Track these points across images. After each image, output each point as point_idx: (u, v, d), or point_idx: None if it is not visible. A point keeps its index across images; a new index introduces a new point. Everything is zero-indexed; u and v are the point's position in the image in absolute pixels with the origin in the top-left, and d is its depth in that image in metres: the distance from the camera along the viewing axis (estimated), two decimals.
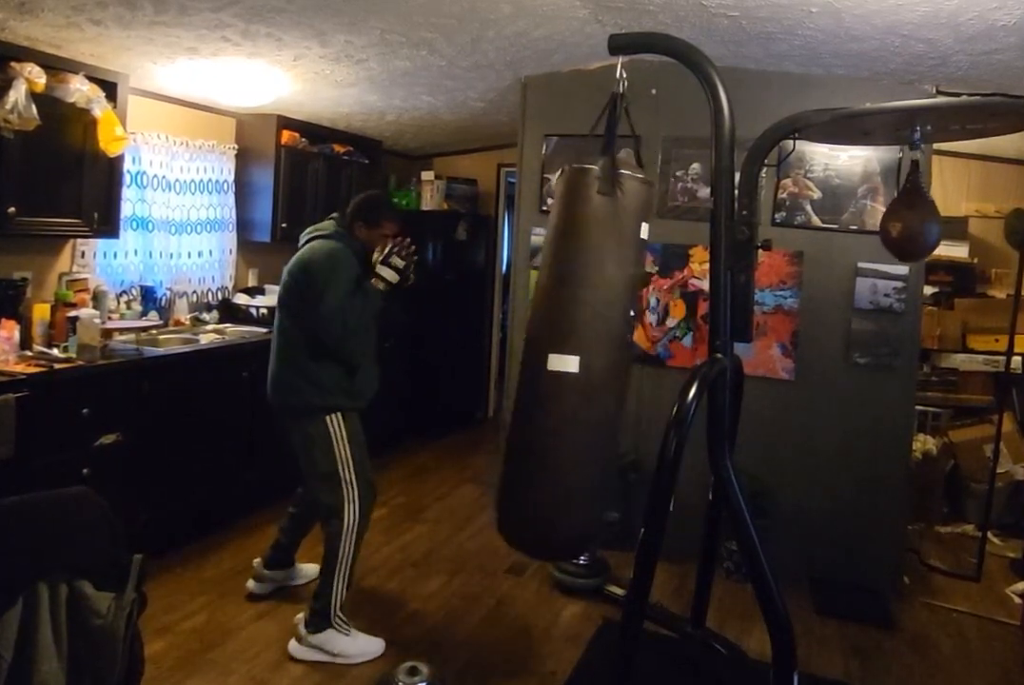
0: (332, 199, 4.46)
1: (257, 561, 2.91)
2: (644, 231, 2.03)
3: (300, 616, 2.57)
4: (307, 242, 2.60)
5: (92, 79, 2.90)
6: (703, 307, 3.29)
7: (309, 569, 2.98)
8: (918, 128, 2.03)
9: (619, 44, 2.08)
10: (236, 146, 4.08)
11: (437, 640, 2.64)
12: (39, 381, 2.57)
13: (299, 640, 2.50)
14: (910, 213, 2.15)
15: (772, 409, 3.24)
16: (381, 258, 2.55)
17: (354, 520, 2.52)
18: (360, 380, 2.58)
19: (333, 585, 2.49)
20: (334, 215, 2.69)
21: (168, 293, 3.72)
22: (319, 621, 2.49)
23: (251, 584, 2.89)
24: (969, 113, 1.99)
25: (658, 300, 3.43)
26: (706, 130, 2.04)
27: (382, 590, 2.99)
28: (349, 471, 2.53)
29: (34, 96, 2.62)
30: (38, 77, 2.66)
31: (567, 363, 1.92)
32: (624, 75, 2.07)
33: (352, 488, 2.53)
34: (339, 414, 2.53)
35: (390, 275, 2.52)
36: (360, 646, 2.51)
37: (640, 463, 3.34)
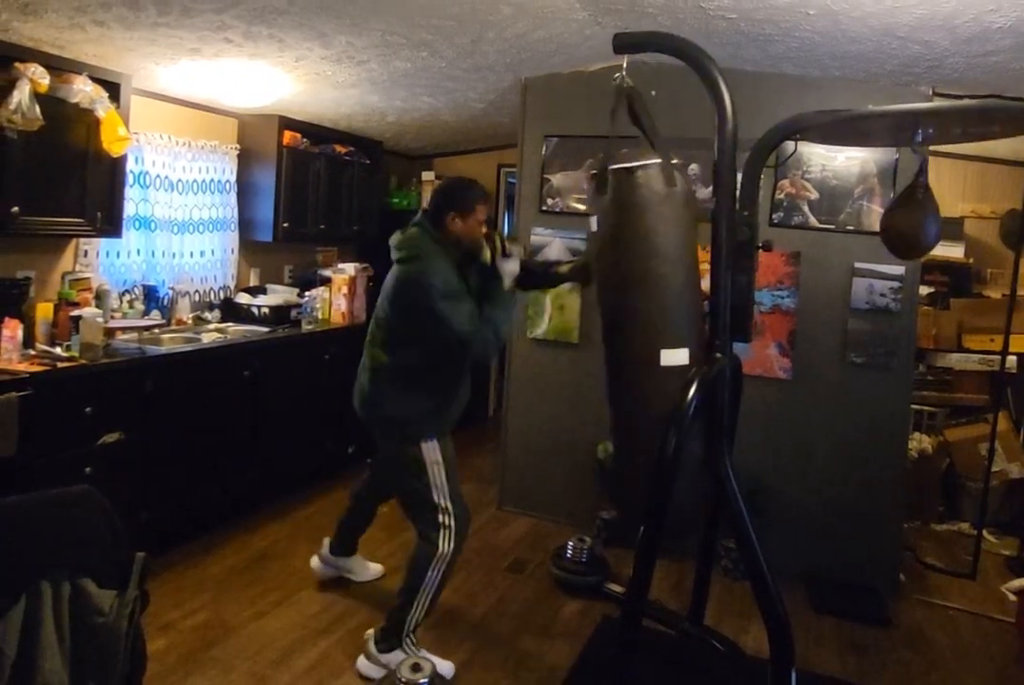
0: (333, 199, 4.48)
1: (326, 540, 2.96)
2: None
3: (370, 632, 2.48)
4: (399, 260, 2.38)
5: (95, 80, 2.91)
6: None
7: (374, 568, 3.03)
8: (920, 131, 2.04)
9: (622, 43, 2.10)
10: (238, 146, 4.10)
11: (438, 637, 2.66)
12: (42, 380, 2.59)
13: (367, 656, 2.42)
14: (913, 212, 2.16)
15: (769, 408, 3.26)
16: (499, 252, 2.32)
17: (449, 548, 2.39)
18: (454, 407, 2.48)
19: (412, 609, 2.39)
20: (417, 219, 2.42)
21: (170, 292, 3.73)
22: (391, 640, 2.40)
23: (314, 562, 2.95)
24: (971, 117, 2.01)
25: None
26: (705, 131, 2.06)
27: (383, 588, 3.00)
28: (444, 497, 2.41)
29: (38, 96, 2.63)
30: (42, 77, 2.67)
31: (679, 357, 2.02)
32: (625, 74, 2.10)
33: (448, 515, 2.40)
34: (434, 440, 2.40)
35: (514, 266, 2.33)
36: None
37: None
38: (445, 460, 2.42)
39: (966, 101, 2.70)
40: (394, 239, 2.44)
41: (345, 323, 4.25)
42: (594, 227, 2.16)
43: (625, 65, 2.11)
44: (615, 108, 2.14)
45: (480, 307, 2.32)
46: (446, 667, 2.41)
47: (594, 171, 2.13)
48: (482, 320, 2.29)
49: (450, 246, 2.37)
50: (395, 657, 2.36)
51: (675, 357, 2.03)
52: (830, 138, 2.58)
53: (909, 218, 2.15)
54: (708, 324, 2.12)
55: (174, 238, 3.78)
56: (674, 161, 2.06)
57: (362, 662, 2.43)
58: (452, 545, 2.40)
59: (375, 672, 2.38)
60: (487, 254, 2.40)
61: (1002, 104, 1.84)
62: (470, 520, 2.53)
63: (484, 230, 2.43)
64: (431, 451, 2.40)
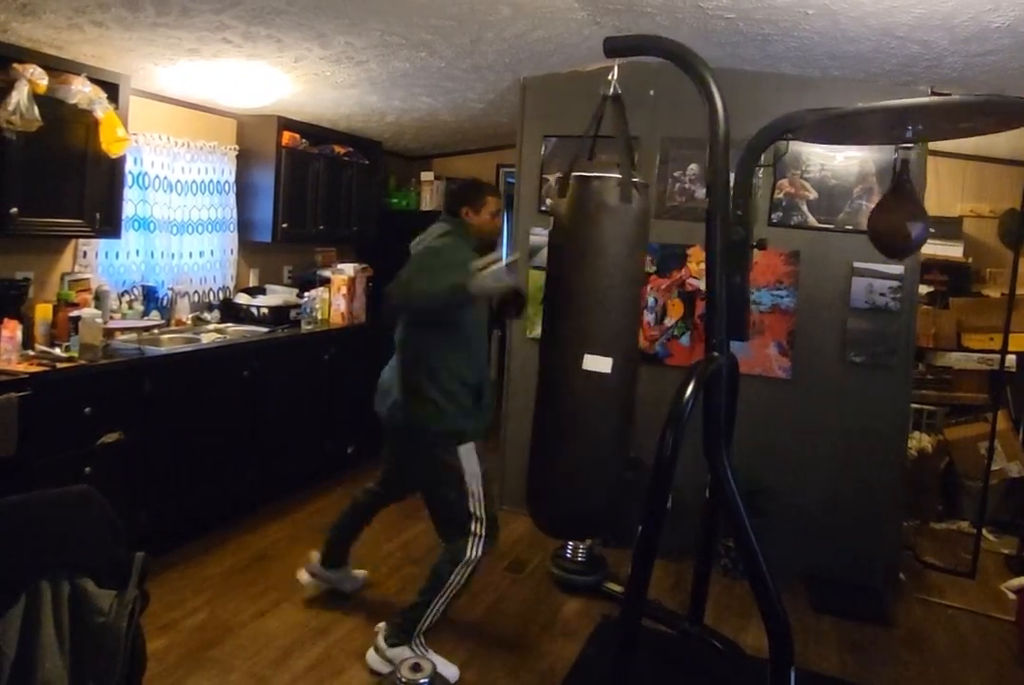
0: (332, 200, 4.48)
1: (314, 553, 2.88)
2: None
3: (381, 625, 2.50)
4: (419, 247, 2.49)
5: (94, 80, 2.91)
6: (700, 306, 3.31)
7: (361, 576, 2.99)
8: (909, 127, 2.05)
9: (614, 47, 2.11)
10: (237, 147, 4.10)
11: (438, 637, 2.65)
12: (41, 380, 2.59)
13: (377, 650, 2.43)
14: (897, 211, 2.17)
15: (769, 407, 3.27)
16: (483, 269, 2.26)
17: (476, 555, 2.40)
18: (484, 401, 2.45)
19: (428, 610, 2.39)
20: (440, 221, 2.55)
21: (170, 293, 3.74)
22: (401, 636, 2.41)
23: (301, 575, 2.86)
24: (959, 111, 2.01)
25: (656, 299, 3.46)
26: (704, 131, 2.06)
27: (383, 587, 3.00)
28: (480, 506, 2.40)
29: (36, 97, 2.63)
30: (40, 78, 2.68)
31: (601, 364, 2.04)
32: (615, 78, 2.11)
33: (480, 523, 2.40)
34: (471, 444, 2.40)
35: (508, 278, 2.28)
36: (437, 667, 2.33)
37: (637, 461, 3.36)
38: (480, 468, 2.41)
39: (953, 96, 2.70)
40: (421, 237, 2.53)
41: (344, 323, 4.25)
42: (550, 228, 2.19)
43: (615, 71, 2.12)
44: (598, 113, 2.15)
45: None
46: (451, 671, 2.40)
47: (559, 174, 2.16)
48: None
49: (471, 238, 2.47)
50: (402, 653, 2.37)
51: (598, 363, 2.04)
52: (824, 137, 2.58)
53: (894, 219, 2.16)
54: (704, 323, 2.12)
55: (173, 239, 3.78)
56: (636, 179, 2.07)
57: (371, 655, 2.45)
58: (480, 552, 2.41)
59: (382, 666, 2.40)
60: (477, 263, 2.33)
61: (987, 99, 1.83)
62: (499, 528, 2.50)
63: (497, 222, 2.54)
64: (469, 459, 2.39)
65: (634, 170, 2.15)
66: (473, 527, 2.41)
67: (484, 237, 2.54)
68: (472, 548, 2.40)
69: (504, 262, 2.27)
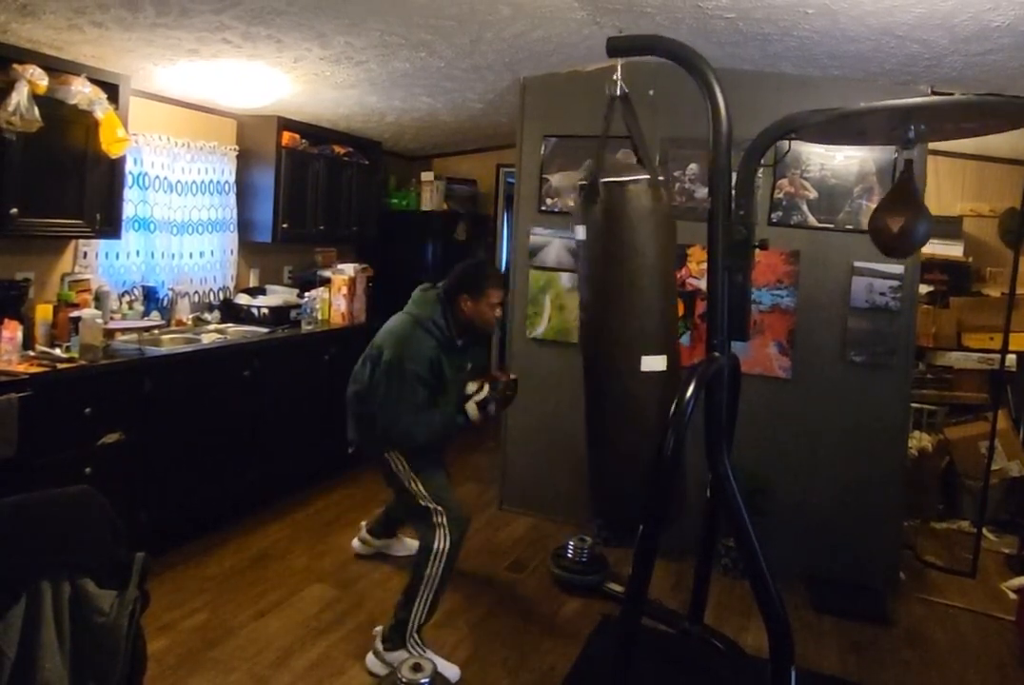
0: (332, 200, 4.48)
1: (363, 523, 3.18)
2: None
3: (379, 628, 2.52)
4: (405, 310, 2.59)
5: (94, 81, 2.91)
6: (701, 306, 3.31)
7: (411, 543, 3.08)
8: (912, 127, 2.05)
9: (617, 46, 2.11)
10: (237, 147, 4.10)
11: (439, 636, 2.66)
12: (42, 381, 2.59)
13: (375, 653, 2.46)
14: (899, 210, 2.17)
15: (769, 407, 3.27)
16: (480, 398, 2.53)
17: (445, 545, 2.46)
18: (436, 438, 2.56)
19: (414, 607, 2.44)
20: (440, 285, 2.60)
21: (170, 293, 3.74)
22: (395, 639, 2.43)
23: (355, 543, 3.18)
24: (962, 112, 2.01)
25: None
26: (704, 131, 2.06)
27: (384, 587, 3.00)
28: (429, 500, 2.50)
29: (36, 98, 2.63)
30: (40, 79, 2.68)
31: (656, 363, 2.08)
32: (619, 77, 2.11)
33: (440, 514, 2.48)
34: (397, 451, 2.53)
35: (473, 415, 2.54)
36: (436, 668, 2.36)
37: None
38: (416, 467, 2.53)
39: (955, 96, 2.70)
40: (417, 291, 2.64)
41: (345, 323, 4.25)
42: (581, 235, 2.18)
43: (620, 70, 2.12)
44: (607, 114, 2.15)
45: (433, 397, 2.49)
46: (452, 671, 2.40)
47: (583, 181, 2.15)
48: (422, 412, 2.45)
49: (453, 324, 2.53)
50: (400, 656, 2.37)
51: (655, 363, 2.08)
52: (825, 137, 2.58)
53: (895, 219, 2.15)
54: (706, 323, 2.12)
55: (173, 239, 3.78)
56: (660, 178, 2.11)
57: (370, 658, 2.47)
58: (448, 542, 2.46)
59: (381, 669, 2.41)
60: (471, 388, 2.59)
61: (991, 99, 1.83)
62: (467, 518, 2.58)
63: (498, 313, 2.58)
64: (397, 461, 2.54)
65: (644, 166, 2.15)
66: (435, 519, 2.48)
67: (473, 328, 2.57)
68: (440, 540, 2.46)
69: (487, 393, 2.55)
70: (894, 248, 2.24)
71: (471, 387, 2.62)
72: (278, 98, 3.74)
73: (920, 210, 2.17)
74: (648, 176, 2.07)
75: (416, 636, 2.44)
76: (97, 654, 1.59)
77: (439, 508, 2.49)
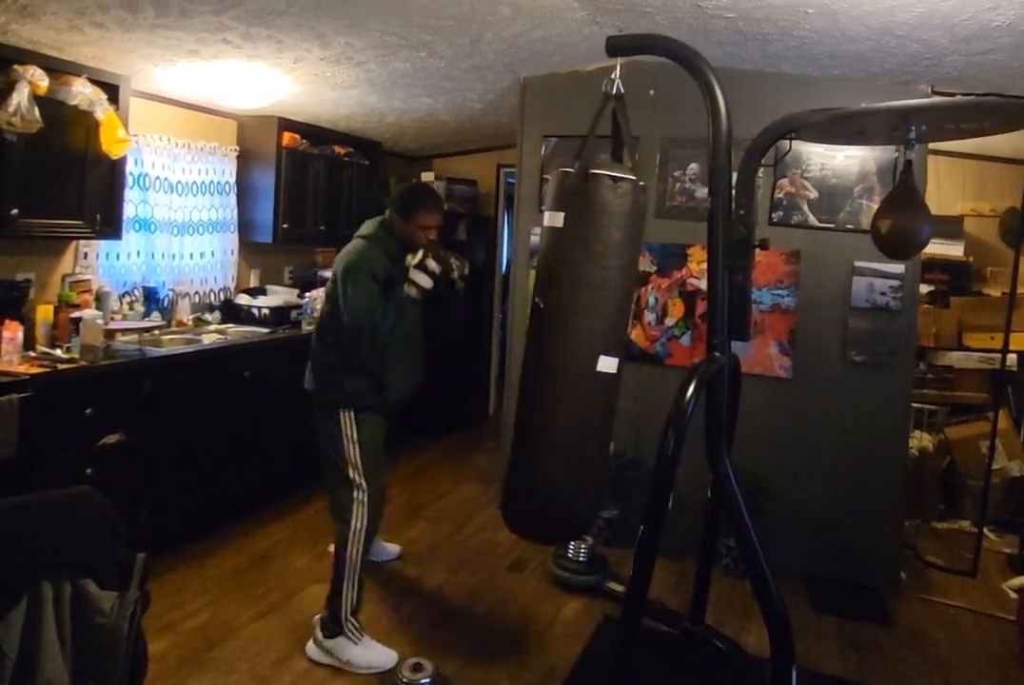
0: (333, 200, 4.48)
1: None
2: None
3: (317, 617, 2.56)
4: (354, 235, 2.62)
5: (94, 82, 2.92)
6: (701, 306, 3.31)
7: (391, 548, 3.20)
8: (913, 128, 2.05)
9: (617, 46, 2.10)
10: (237, 148, 4.10)
11: (439, 636, 2.66)
12: (42, 381, 2.59)
13: (315, 642, 2.50)
14: (901, 212, 2.17)
15: (770, 407, 3.26)
16: (415, 262, 2.43)
17: (361, 523, 2.49)
18: (390, 386, 2.54)
19: (343, 591, 2.47)
20: (385, 212, 2.65)
21: (170, 294, 3.74)
22: (332, 626, 2.47)
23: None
24: (963, 112, 2.01)
25: (657, 299, 3.46)
26: (704, 130, 2.06)
27: (385, 587, 3.01)
28: (358, 473, 2.51)
29: (37, 99, 2.63)
30: (41, 80, 2.68)
31: (611, 365, 2.04)
32: (618, 76, 2.10)
33: (361, 491, 2.51)
34: (351, 412, 2.50)
35: (424, 280, 2.42)
36: (369, 657, 2.45)
37: (639, 461, 3.37)
38: (361, 435, 2.51)
39: (956, 97, 2.70)
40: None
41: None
42: (554, 222, 2.11)
43: (619, 70, 2.11)
44: (599, 112, 2.14)
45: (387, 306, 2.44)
46: (386, 656, 2.46)
47: (567, 169, 2.10)
48: (386, 317, 2.41)
49: (392, 241, 2.55)
50: (337, 643, 2.46)
51: (609, 364, 2.04)
52: (826, 137, 2.58)
53: (897, 220, 2.15)
54: (706, 323, 2.12)
55: (174, 240, 3.78)
56: (641, 183, 2.07)
57: (310, 646, 2.52)
58: (364, 521, 2.50)
59: (322, 659, 2.48)
60: (410, 259, 2.46)
61: (992, 100, 1.83)
62: (383, 501, 2.67)
63: (431, 236, 2.55)
64: (348, 424, 2.50)
65: (632, 167, 2.15)
66: (355, 494, 2.50)
67: (406, 243, 2.55)
68: (356, 518, 2.49)
69: (420, 256, 2.45)
70: (897, 249, 2.24)
71: (409, 258, 2.50)
72: (278, 99, 3.74)
73: (922, 211, 2.17)
74: (635, 177, 2.06)
75: (352, 620, 2.48)
76: (98, 655, 1.59)
77: (363, 484, 2.50)
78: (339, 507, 2.53)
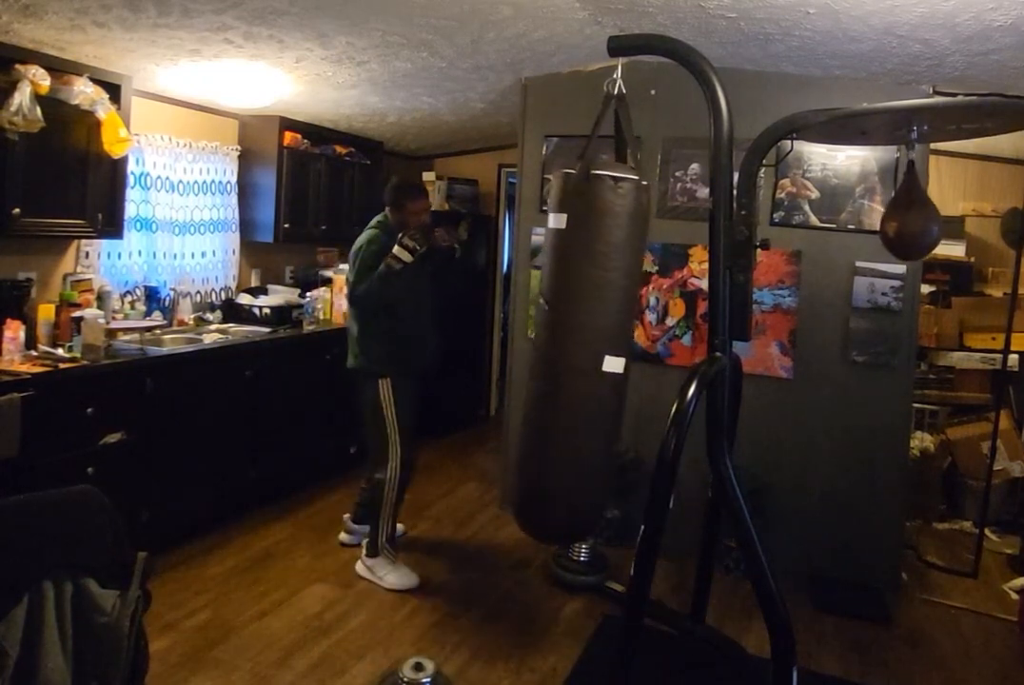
0: (334, 200, 4.48)
1: (346, 516, 3.41)
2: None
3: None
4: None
5: (96, 81, 2.92)
6: (702, 306, 3.31)
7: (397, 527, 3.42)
8: (915, 128, 2.05)
9: (618, 46, 2.10)
10: (239, 147, 4.10)
11: (441, 636, 2.66)
12: (44, 381, 2.60)
13: (361, 560, 3.08)
14: (909, 213, 2.16)
15: (771, 407, 3.26)
16: (397, 240, 2.85)
17: (396, 473, 2.97)
18: (409, 352, 2.99)
19: (380, 524, 3.00)
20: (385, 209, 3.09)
21: (172, 293, 3.74)
22: (371, 549, 3.04)
23: (342, 536, 3.39)
24: (965, 113, 2.01)
25: (658, 299, 3.46)
26: (705, 130, 2.06)
27: (385, 587, 3.00)
28: (395, 431, 2.95)
29: (38, 98, 2.64)
30: (42, 79, 2.68)
31: (617, 364, 2.07)
32: (619, 76, 2.10)
33: (396, 446, 2.96)
34: (388, 380, 2.94)
35: (403, 254, 2.81)
36: (397, 577, 2.98)
37: (640, 461, 3.37)
38: (397, 399, 2.96)
39: (958, 97, 2.70)
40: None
41: (346, 323, 4.25)
42: (558, 224, 2.11)
43: (620, 70, 2.11)
44: (601, 113, 2.14)
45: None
46: (411, 579, 2.98)
47: (569, 170, 2.10)
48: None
49: (394, 228, 2.96)
50: (375, 562, 3.02)
51: (615, 364, 2.06)
52: (828, 137, 2.57)
53: (906, 221, 2.15)
54: (707, 323, 2.12)
55: (175, 239, 3.78)
56: (644, 183, 2.08)
57: (358, 564, 3.09)
58: (398, 470, 2.98)
59: (365, 573, 3.05)
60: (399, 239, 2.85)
61: (995, 100, 1.83)
62: (415, 452, 3.12)
63: (424, 219, 2.98)
64: (386, 390, 2.95)
65: (634, 167, 2.15)
66: (391, 450, 2.97)
67: (404, 228, 2.93)
68: (392, 467, 2.97)
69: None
70: (906, 251, 2.23)
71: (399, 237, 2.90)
72: (280, 98, 3.74)
73: (929, 211, 2.16)
74: (637, 177, 2.06)
75: (388, 546, 3.02)
76: (99, 654, 1.60)
77: (397, 440, 2.96)
78: (380, 458, 3.00)
